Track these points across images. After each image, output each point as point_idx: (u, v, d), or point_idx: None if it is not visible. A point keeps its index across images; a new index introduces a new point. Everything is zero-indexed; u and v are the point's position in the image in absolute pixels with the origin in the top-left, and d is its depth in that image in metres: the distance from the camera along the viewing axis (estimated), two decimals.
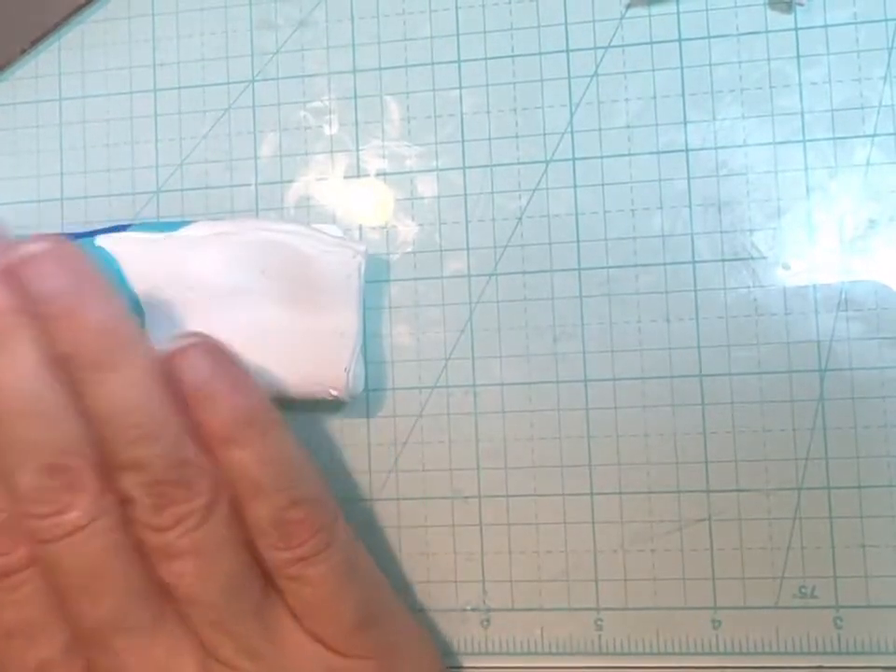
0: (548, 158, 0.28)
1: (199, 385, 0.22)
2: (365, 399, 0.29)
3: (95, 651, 0.22)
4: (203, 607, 0.22)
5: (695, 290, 0.28)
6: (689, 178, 0.28)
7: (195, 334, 0.23)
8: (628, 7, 0.28)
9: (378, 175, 0.29)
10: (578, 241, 0.28)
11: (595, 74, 0.28)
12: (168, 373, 0.22)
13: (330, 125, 0.30)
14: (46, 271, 0.21)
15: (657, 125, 0.28)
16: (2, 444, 0.21)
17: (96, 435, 0.22)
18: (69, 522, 0.21)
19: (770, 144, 0.27)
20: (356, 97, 0.29)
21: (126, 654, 0.22)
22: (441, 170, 0.29)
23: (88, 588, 0.22)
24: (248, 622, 0.23)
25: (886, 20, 0.27)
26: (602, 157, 0.28)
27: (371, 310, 0.29)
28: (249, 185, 0.30)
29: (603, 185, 0.28)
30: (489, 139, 0.29)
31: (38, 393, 0.21)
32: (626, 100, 0.28)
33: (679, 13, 0.28)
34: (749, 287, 0.27)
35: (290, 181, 0.30)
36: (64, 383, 0.22)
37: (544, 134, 0.29)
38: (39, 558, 0.22)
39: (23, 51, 0.31)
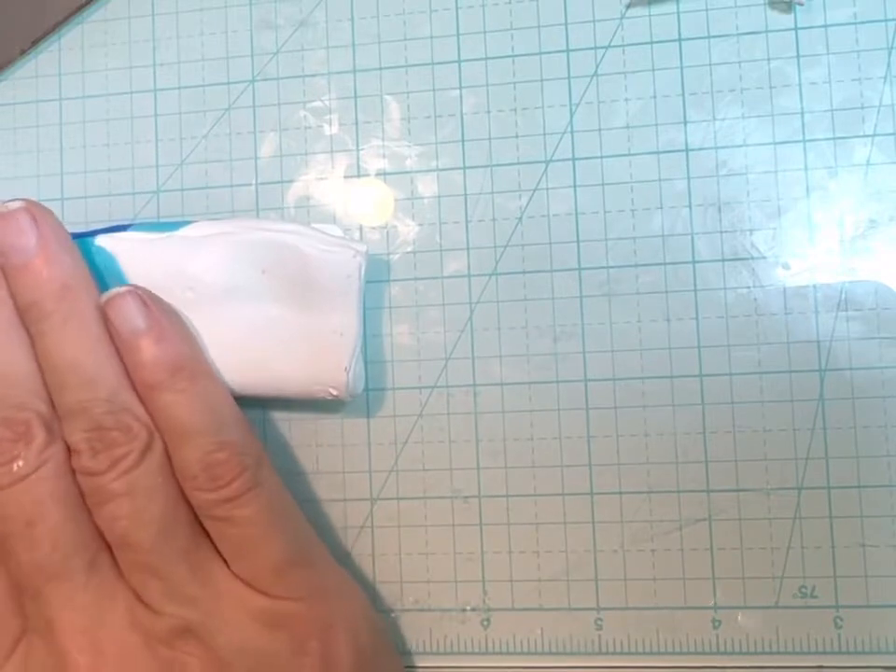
0: (548, 158, 0.28)
1: (128, 331, 0.24)
2: (365, 399, 0.29)
3: (28, 602, 0.23)
4: (134, 550, 0.23)
5: (695, 290, 0.28)
6: (689, 178, 0.28)
7: (129, 284, 0.25)
8: (628, 6, 0.28)
9: (378, 174, 0.29)
10: (578, 241, 0.28)
11: (595, 74, 0.28)
12: (106, 322, 0.24)
13: (330, 125, 0.30)
14: (15, 226, 0.24)
15: (657, 125, 0.28)
16: None
17: (46, 384, 0.24)
18: (14, 472, 0.23)
19: (770, 144, 0.27)
20: (356, 97, 0.29)
21: (55, 603, 0.23)
22: (441, 170, 0.29)
23: (25, 534, 0.23)
24: (178, 565, 0.23)
25: (886, 20, 0.27)
26: (602, 157, 0.28)
27: (370, 310, 0.29)
28: (249, 185, 0.30)
29: (603, 185, 0.28)
30: (489, 139, 0.29)
31: (2, 352, 0.24)
32: (626, 100, 0.28)
33: (679, 13, 0.28)
34: (749, 287, 0.27)
35: (290, 181, 0.30)
36: (23, 337, 0.24)
37: (544, 134, 0.29)
38: None
39: (23, 51, 0.31)
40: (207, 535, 0.24)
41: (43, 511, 0.23)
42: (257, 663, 0.23)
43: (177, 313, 0.25)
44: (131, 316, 0.24)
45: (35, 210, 0.25)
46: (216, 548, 0.24)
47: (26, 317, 0.24)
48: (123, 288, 0.25)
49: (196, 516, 0.24)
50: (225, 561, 0.24)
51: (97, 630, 0.23)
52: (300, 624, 0.24)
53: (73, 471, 0.23)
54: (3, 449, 0.23)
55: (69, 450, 0.24)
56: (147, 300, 0.25)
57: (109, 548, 0.24)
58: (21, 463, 0.23)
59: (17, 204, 0.24)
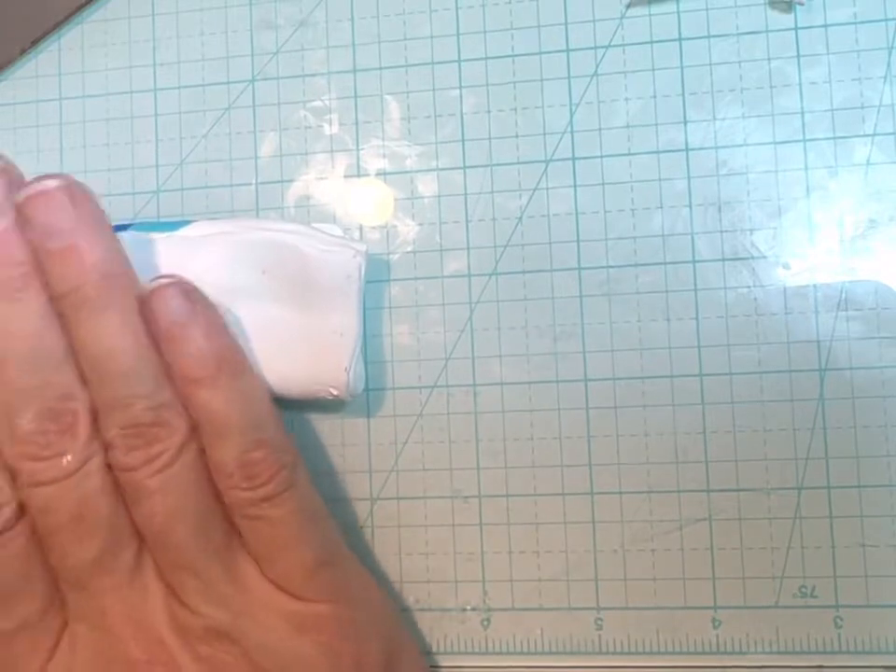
0: (548, 157, 0.28)
1: (172, 324, 0.23)
2: (365, 399, 0.29)
3: (76, 594, 0.23)
4: (170, 548, 0.23)
5: (695, 290, 0.28)
6: (689, 178, 0.28)
7: (171, 275, 0.24)
8: (628, 6, 0.28)
9: (378, 174, 0.29)
10: (578, 241, 0.28)
11: (595, 74, 0.28)
12: (146, 313, 0.23)
13: (330, 125, 0.30)
14: (53, 206, 0.23)
15: (657, 125, 0.28)
16: (6, 388, 0.22)
17: (85, 377, 0.23)
18: (63, 465, 0.22)
19: (770, 143, 0.27)
20: (356, 97, 0.29)
21: (106, 595, 0.23)
22: (441, 170, 0.29)
23: (75, 529, 0.23)
24: (213, 565, 0.23)
25: (886, 20, 0.27)
26: (602, 157, 0.28)
27: (370, 310, 0.29)
28: (249, 185, 0.30)
29: (603, 185, 0.28)
30: (489, 139, 0.29)
31: (43, 339, 0.23)
32: (626, 100, 0.28)
33: (679, 13, 0.28)
34: (749, 286, 0.27)
35: (290, 181, 0.30)
36: (59, 325, 0.23)
37: (544, 134, 0.29)
38: (26, 506, 0.23)
39: (23, 51, 0.31)
40: (239, 535, 0.24)
41: (90, 505, 0.23)
42: (289, 665, 0.23)
43: (217, 307, 0.24)
44: (175, 308, 0.23)
45: (73, 189, 0.23)
46: (247, 548, 0.24)
47: (62, 305, 0.23)
48: (168, 279, 0.24)
49: (228, 515, 0.24)
50: (256, 562, 0.24)
51: (144, 620, 0.23)
52: (330, 627, 0.24)
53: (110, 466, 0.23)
54: (50, 441, 0.22)
55: (106, 445, 0.23)
56: (191, 292, 0.24)
57: (146, 543, 0.24)
58: (69, 458, 0.22)
59: (54, 182, 0.23)
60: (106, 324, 0.23)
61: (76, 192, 0.23)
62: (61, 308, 0.23)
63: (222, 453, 0.23)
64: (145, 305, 0.23)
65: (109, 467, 0.23)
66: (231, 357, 0.24)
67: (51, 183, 0.23)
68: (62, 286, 0.23)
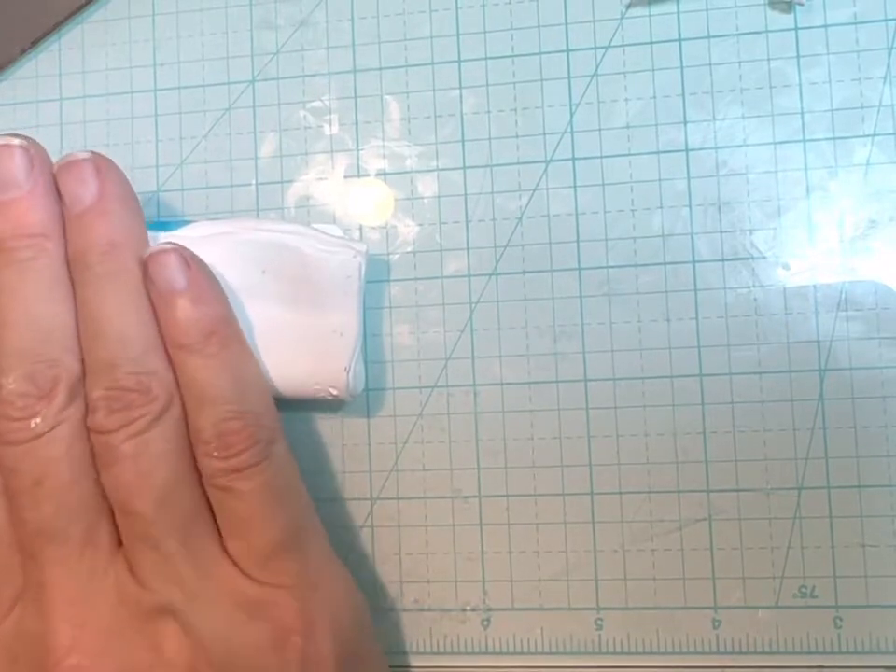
0: (548, 158, 0.28)
1: (168, 288, 0.24)
2: (365, 399, 0.29)
3: (27, 562, 0.23)
4: (133, 516, 0.23)
5: (695, 290, 0.28)
6: (689, 178, 0.28)
7: (170, 242, 0.25)
8: (628, 7, 0.28)
9: (378, 174, 0.29)
10: (578, 241, 0.28)
11: (595, 74, 0.28)
12: (144, 277, 0.24)
13: (330, 125, 0.30)
14: (78, 175, 0.24)
15: (657, 125, 0.28)
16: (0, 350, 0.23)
17: (78, 339, 0.24)
18: (31, 428, 0.23)
19: (770, 144, 0.27)
20: (356, 97, 0.29)
21: (51, 566, 0.23)
22: (441, 170, 0.29)
23: (31, 492, 0.23)
24: (173, 540, 0.23)
25: (886, 20, 0.27)
26: (602, 157, 0.28)
27: (370, 310, 0.29)
28: (249, 185, 0.30)
29: (603, 185, 0.28)
30: (489, 139, 0.29)
31: (44, 306, 0.23)
32: (626, 100, 0.28)
33: (679, 13, 0.28)
34: (749, 286, 0.27)
35: (290, 181, 0.30)
36: (67, 290, 0.24)
37: (544, 134, 0.29)
38: None
39: (23, 51, 0.31)
40: (208, 513, 0.24)
41: (52, 470, 0.23)
42: (235, 652, 0.23)
43: (215, 276, 0.25)
44: (171, 273, 0.24)
45: (100, 162, 0.25)
46: (215, 524, 0.24)
47: (72, 267, 0.24)
48: (167, 245, 0.24)
49: (202, 489, 0.24)
50: (221, 538, 0.24)
51: (85, 599, 0.23)
52: (283, 616, 0.23)
53: (88, 433, 0.23)
54: (24, 404, 0.23)
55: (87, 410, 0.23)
56: (189, 259, 0.24)
57: (112, 516, 0.24)
58: (38, 420, 0.23)
59: (84, 155, 0.25)
60: (106, 290, 0.24)
61: (101, 165, 0.25)
62: (71, 270, 0.24)
63: (201, 419, 0.23)
64: (143, 269, 0.24)
65: (88, 437, 0.23)
66: (220, 326, 0.24)
67: (80, 155, 0.25)
68: (72, 248, 0.24)
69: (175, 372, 0.24)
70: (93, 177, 0.24)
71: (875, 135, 0.27)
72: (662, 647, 0.27)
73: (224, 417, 0.23)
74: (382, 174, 0.29)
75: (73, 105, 0.31)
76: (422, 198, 0.29)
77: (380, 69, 0.29)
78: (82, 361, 0.24)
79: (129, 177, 0.30)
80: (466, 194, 0.29)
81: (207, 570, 0.23)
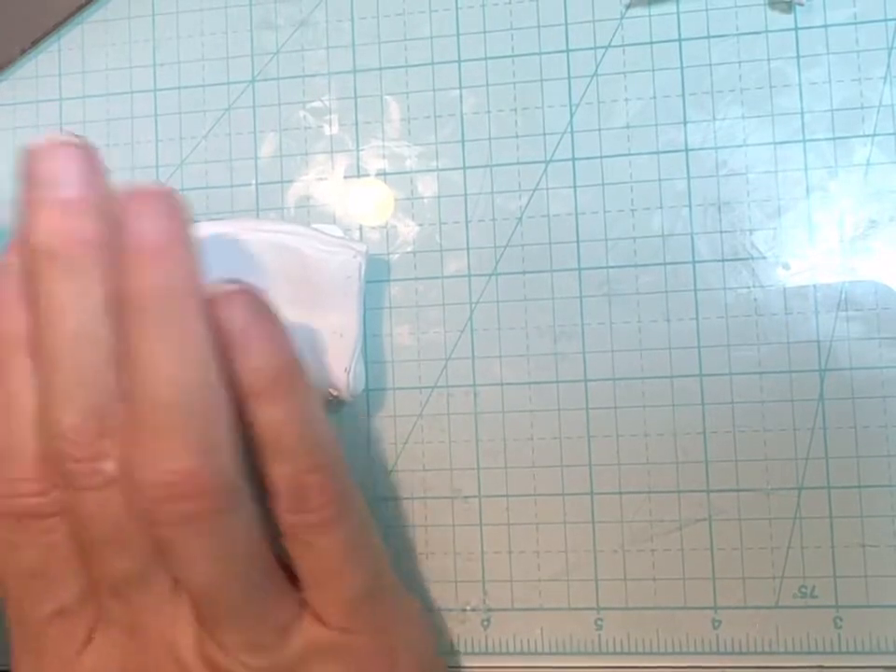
0: (548, 158, 0.28)
1: (237, 333, 0.21)
2: (365, 399, 0.29)
3: (111, 599, 0.22)
4: (209, 591, 0.22)
5: (695, 290, 0.28)
6: (689, 178, 0.28)
7: (238, 281, 0.22)
8: (628, 7, 0.28)
9: (378, 174, 0.29)
10: (578, 241, 0.28)
11: (595, 74, 0.28)
12: (212, 318, 0.21)
13: (330, 125, 0.30)
14: (155, 206, 0.21)
15: (657, 125, 0.28)
16: (53, 376, 0.21)
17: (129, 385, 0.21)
18: (105, 472, 0.21)
19: (770, 144, 0.27)
20: (356, 97, 0.29)
21: (142, 611, 0.22)
22: (441, 170, 0.29)
23: (114, 542, 0.21)
24: (254, 611, 0.22)
25: (886, 20, 0.27)
26: (602, 157, 0.28)
27: (370, 310, 0.29)
28: (249, 185, 0.30)
29: (603, 185, 0.28)
30: (489, 139, 0.29)
31: (98, 332, 0.21)
32: (626, 100, 0.28)
33: (678, 13, 0.28)
34: (749, 287, 0.27)
35: (290, 181, 0.30)
36: (106, 330, 0.21)
37: (544, 134, 0.29)
38: (69, 504, 0.21)
39: (23, 51, 0.31)
40: (283, 568, 0.23)
41: (131, 523, 0.21)
42: None
43: (281, 316, 0.23)
44: (241, 318, 0.21)
45: (174, 199, 0.21)
46: (291, 574, 0.23)
47: (122, 304, 0.21)
48: (236, 286, 0.22)
49: (276, 541, 0.23)
50: (298, 589, 0.23)
51: (175, 645, 0.22)
52: (365, 660, 0.23)
53: None
54: (89, 441, 0.21)
55: None
56: (258, 301, 0.22)
57: None
58: (111, 465, 0.21)
59: (158, 187, 0.21)
60: (162, 334, 0.21)
61: (176, 201, 0.21)
62: (121, 310, 0.21)
63: (275, 472, 0.22)
64: (211, 309, 0.21)
65: None
66: (292, 373, 0.22)
67: (155, 186, 0.22)
68: (125, 285, 0.21)
69: (245, 421, 0.22)
70: (166, 213, 0.21)
71: (874, 135, 0.27)
72: (662, 647, 0.27)
73: (300, 470, 0.22)
74: (382, 174, 0.29)
75: (73, 105, 0.31)
76: (422, 198, 0.29)
77: (380, 69, 0.29)
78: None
79: (129, 177, 0.30)
80: (466, 194, 0.29)
81: (290, 635, 0.22)
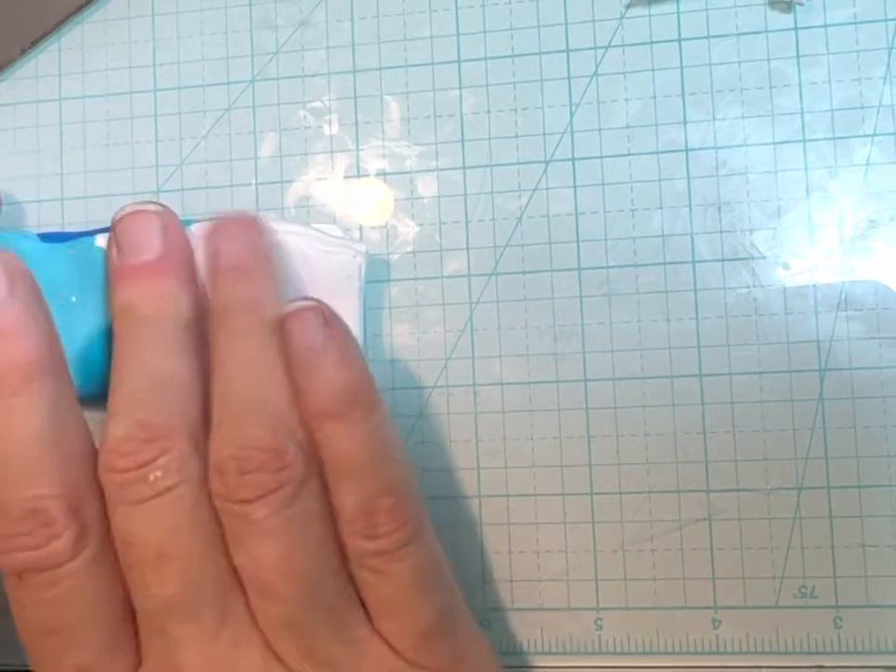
0: (548, 158, 0.28)
1: (308, 350, 0.22)
2: None
3: (152, 640, 0.21)
4: (276, 601, 0.21)
5: (695, 290, 0.28)
6: (689, 178, 0.28)
7: (310, 298, 0.23)
8: (628, 7, 0.28)
9: (378, 174, 0.29)
10: (578, 241, 0.28)
11: (595, 74, 0.28)
12: (282, 335, 0.22)
13: (330, 125, 0.30)
14: (233, 233, 0.24)
15: (657, 125, 0.28)
16: (114, 396, 0.22)
17: (201, 398, 0.22)
18: (151, 482, 0.20)
19: (770, 144, 0.27)
20: (356, 97, 0.29)
21: (185, 644, 0.21)
22: (441, 170, 0.29)
23: (156, 566, 0.20)
24: (321, 622, 0.21)
25: (886, 20, 0.27)
26: (602, 157, 0.28)
27: (370, 310, 0.29)
28: (249, 185, 0.30)
29: (603, 185, 0.28)
30: (489, 139, 0.29)
31: (158, 361, 0.22)
32: (626, 100, 0.28)
33: (679, 13, 0.28)
34: (749, 286, 0.27)
35: (290, 181, 0.30)
36: (193, 343, 0.23)
37: (544, 134, 0.29)
38: (104, 532, 0.21)
39: (23, 51, 0.31)
40: (353, 587, 0.22)
41: (179, 541, 0.20)
42: None
43: (353, 334, 0.23)
44: (311, 332, 0.22)
45: (252, 224, 0.24)
46: (361, 602, 0.22)
47: (211, 322, 0.23)
48: (309, 302, 0.22)
49: (346, 568, 0.22)
50: (368, 615, 0.22)
51: None
52: None
53: (210, 498, 0.21)
54: (131, 449, 0.20)
55: (207, 472, 0.21)
56: (330, 318, 0.22)
57: (244, 590, 0.21)
58: (158, 474, 0.20)
59: (237, 215, 0.25)
60: (243, 346, 0.22)
61: (253, 226, 0.24)
62: (210, 329, 0.23)
63: (345, 495, 0.21)
64: (282, 327, 0.22)
65: (211, 503, 0.21)
66: (366, 393, 0.22)
67: (234, 213, 0.25)
68: (212, 304, 0.23)
69: (314, 443, 0.22)
70: (243, 237, 0.24)
71: (874, 135, 0.27)
72: (662, 647, 0.27)
73: (372, 494, 0.21)
74: (382, 174, 0.29)
75: (73, 105, 0.31)
76: (422, 198, 0.29)
77: (380, 69, 0.29)
78: (204, 421, 0.22)
79: (129, 177, 0.30)
80: (466, 194, 0.29)
81: (360, 652, 0.21)
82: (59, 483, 0.21)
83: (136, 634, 0.22)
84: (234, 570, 0.21)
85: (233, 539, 0.21)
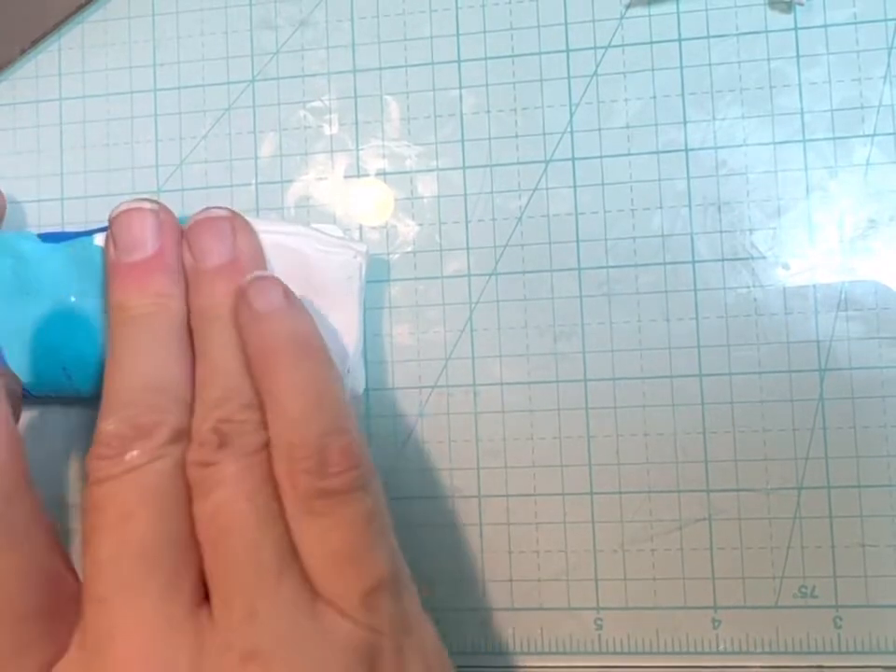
0: (548, 158, 0.28)
1: (264, 309, 0.24)
2: (365, 399, 0.29)
3: (95, 605, 0.21)
4: (226, 553, 0.21)
5: (695, 290, 0.28)
6: (688, 178, 0.28)
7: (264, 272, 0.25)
8: (628, 7, 0.28)
9: (378, 174, 0.29)
10: (578, 241, 0.28)
11: (595, 74, 0.28)
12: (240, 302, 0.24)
13: (330, 125, 0.30)
14: (219, 230, 0.25)
15: (657, 125, 0.28)
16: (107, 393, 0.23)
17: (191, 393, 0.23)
18: (126, 461, 0.22)
19: (770, 144, 0.27)
20: (356, 97, 0.29)
21: (123, 616, 0.21)
22: (441, 170, 0.29)
23: (117, 529, 0.21)
24: (269, 581, 0.21)
25: (886, 20, 0.27)
26: (602, 157, 0.28)
27: (370, 310, 0.29)
28: (249, 185, 0.30)
29: (603, 185, 0.28)
30: (489, 139, 0.29)
31: (153, 360, 0.24)
32: (626, 100, 0.28)
33: (678, 13, 0.28)
34: (748, 286, 0.27)
35: (290, 181, 0.30)
36: (184, 343, 0.24)
37: (544, 134, 0.29)
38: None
39: (23, 51, 0.31)
40: (295, 553, 0.22)
41: (144, 508, 0.21)
42: None
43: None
44: (267, 296, 0.24)
45: (236, 221, 0.25)
46: (302, 565, 0.22)
47: (197, 316, 0.24)
48: (261, 274, 0.25)
49: (288, 529, 0.22)
50: (311, 578, 0.22)
51: (157, 655, 0.21)
52: (381, 661, 0.21)
53: (184, 477, 0.22)
54: (119, 444, 0.22)
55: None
56: (280, 284, 0.25)
57: (200, 569, 0.22)
58: (135, 453, 0.22)
59: (220, 211, 0.25)
60: (232, 334, 0.24)
61: (238, 223, 0.25)
62: (195, 323, 0.24)
63: (301, 435, 0.22)
64: (241, 295, 0.24)
65: (185, 478, 0.22)
66: (318, 345, 0.24)
67: (218, 212, 0.25)
68: (200, 301, 0.25)
69: (269, 392, 0.23)
70: (230, 234, 0.25)
71: (874, 135, 0.27)
72: (662, 647, 0.27)
73: (326, 431, 0.22)
74: (382, 174, 0.29)
75: (73, 104, 0.31)
76: (422, 198, 0.29)
77: (380, 69, 0.29)
78: (190, 415, 0.23)
79: (129, 177, 0.30)
80: (466, 194, 0.29)
81: (300, 613, 0.21)
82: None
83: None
84: (193, 543, 0.22)
85: (198, 495, 0.22)
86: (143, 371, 0.23)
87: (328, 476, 0.22)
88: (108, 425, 0.22)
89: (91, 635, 0.21)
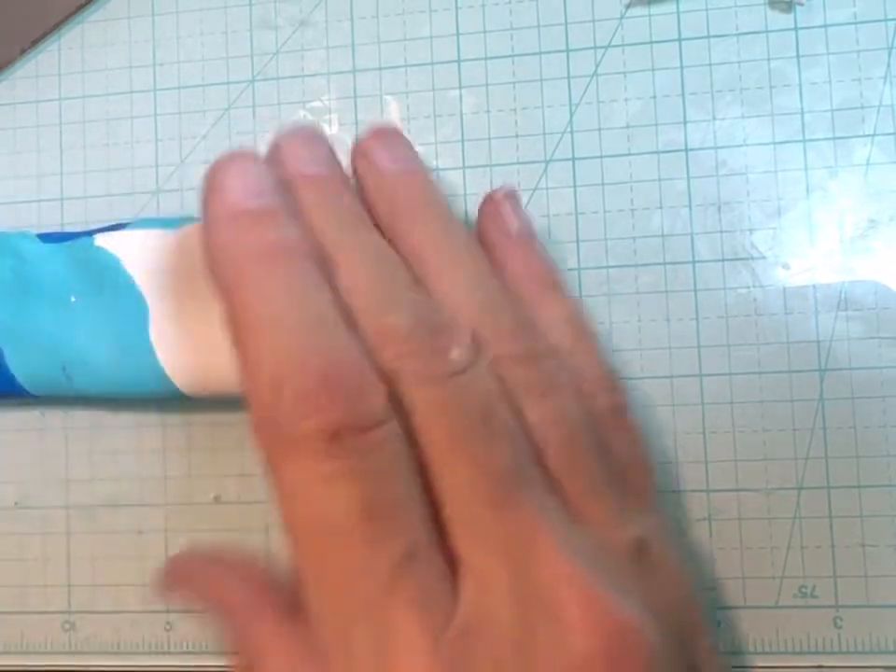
0: (548, 158, 0.28)
1: (521, 234, 0.25)
2: None
3: (498, 514, 0.19)
4: (574, 450, 0.21)
5: (695, 290, 0.28)
6: (689, 178, 0.28)
7: (502, 189, 0.26)
8: (628, 7, 0.28)
9: None
10: (578, 241, 0.28)
11: (595, 74, 0.28)
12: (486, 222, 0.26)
13: (330, 125, 0.30)
14: (395, 142, 0.25)
15: (657, 125, 0.28)
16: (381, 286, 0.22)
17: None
18: (452, 360, 0.20)
19: (770, 144, 0.27)
20: (356, 97, 0.29)
21: (535, 513, 0.19)
22: (441, 170, 0.29)
23: (483, 434, 0.20)
24: (606, 475, 0.22)
25: (886, 20, 0.27)
26: (602, 157, 0.28)
27: None
28: None
29: (603, 185, 0.28)
30: (489, 139, 0.29)
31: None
32: (626, 100, 0.28)
33: (678, 13, 0.28)
34: (748, 287, 0.27)
35: None
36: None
37: (544, 134, 0.29)
38: (408, 414, 0.20)
39: (23, 51, 0.31)
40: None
41: (494, 403, 0.20)
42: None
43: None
44: (521, 219, 0.26)
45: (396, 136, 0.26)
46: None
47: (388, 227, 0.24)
48: (500, 191, 0.26)
49: None
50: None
51: (572, 547, 0.19)
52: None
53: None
54: (429, 339, 0.20)
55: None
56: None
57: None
58: (458, 351, 0.20)
59: (389, 126, 0.26)
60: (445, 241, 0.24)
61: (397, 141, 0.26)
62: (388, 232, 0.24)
63: (589, 359, 0.24)
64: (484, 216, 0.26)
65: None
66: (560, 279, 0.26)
67: (382, 124, 0.26)
68: (392, 208, 0.24)
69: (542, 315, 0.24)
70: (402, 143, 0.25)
71: (874, 135, 0.27)
72: None
73: (600, 360, 0.24)
74: None
75: (73, 104, 0.31)
76: None
77: (380, 69, 0.29)
78: None
79: (129, 177, 0.30)
80: (466, 194, 0.29)
81: (646, 509, 0.23)
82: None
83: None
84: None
85: (537, 396, 0.21)
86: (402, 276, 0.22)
87: (615, 395, 0.24)
88: (400, 318, 0.20)
89: (501, 545, 0.19)
